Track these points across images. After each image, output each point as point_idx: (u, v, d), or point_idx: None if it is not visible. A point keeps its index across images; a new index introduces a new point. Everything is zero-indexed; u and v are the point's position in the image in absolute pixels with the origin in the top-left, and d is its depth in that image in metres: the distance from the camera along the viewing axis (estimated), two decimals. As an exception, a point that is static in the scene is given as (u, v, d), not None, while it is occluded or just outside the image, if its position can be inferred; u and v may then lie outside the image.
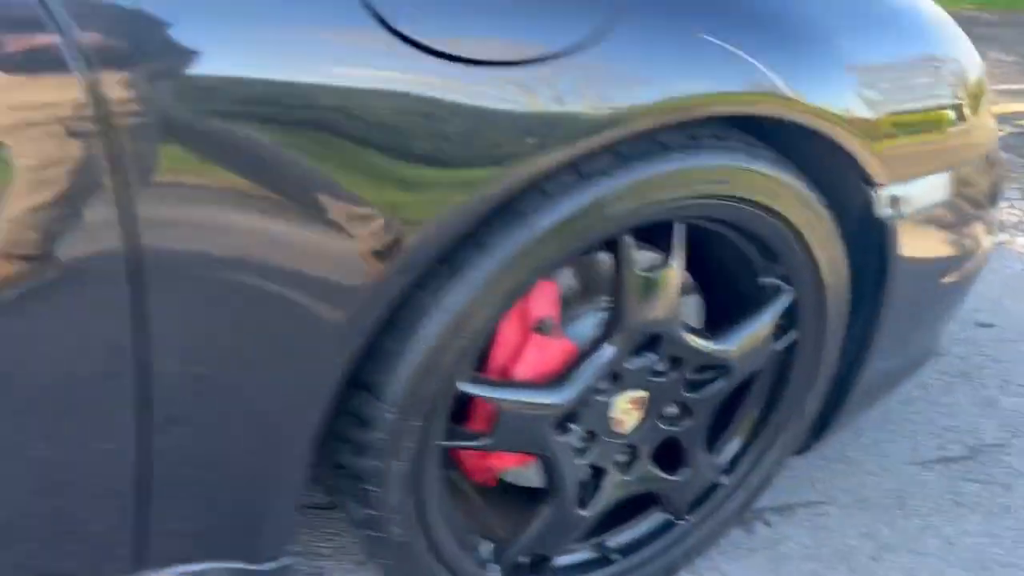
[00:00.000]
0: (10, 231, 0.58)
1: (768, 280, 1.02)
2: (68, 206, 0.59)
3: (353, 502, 0.88)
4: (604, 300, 0.97)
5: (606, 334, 0.93)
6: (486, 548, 1.02)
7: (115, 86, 0.59)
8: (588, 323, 0.97)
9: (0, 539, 0.72)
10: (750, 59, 0.82)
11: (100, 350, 0.66)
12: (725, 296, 1.07)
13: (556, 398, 0.91)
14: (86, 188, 0.60)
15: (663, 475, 1.06)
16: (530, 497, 1.06)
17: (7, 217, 0.58)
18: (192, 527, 0.80)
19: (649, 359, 0.96)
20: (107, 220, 0.60)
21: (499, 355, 0.92)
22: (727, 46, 0.81)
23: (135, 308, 0.64)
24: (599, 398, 0.96)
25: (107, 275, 0.62)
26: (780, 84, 0.85)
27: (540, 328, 0.93)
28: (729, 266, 1.04)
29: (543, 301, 0.93)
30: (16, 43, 0.57)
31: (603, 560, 1.10)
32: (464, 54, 0.69)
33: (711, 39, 0.81)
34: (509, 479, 1.06)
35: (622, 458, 1.04)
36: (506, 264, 0.80)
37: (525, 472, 1.04)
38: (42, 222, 0.59)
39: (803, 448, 1.21)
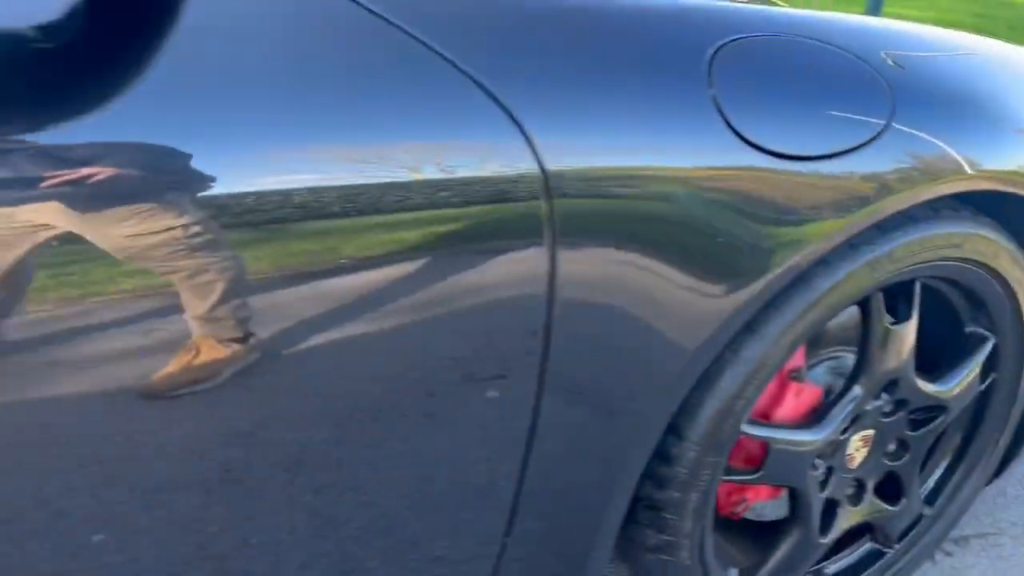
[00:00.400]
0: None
1: (974, 328, 1.16)
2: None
3: (650, 530, 1.02)
4: (831, 350, 1.11)
5: (854, 379, 1.07)
6: (732, 573, 1.15)
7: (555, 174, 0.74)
8: (821, 370, 1.12)
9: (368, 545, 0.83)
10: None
11: (512, 352, 0.79)
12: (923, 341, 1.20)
13: (815, 436, 1.05)
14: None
15: (886, 506, 1.18)
16: (760, 530, 1.19)
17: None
18: (532, 556, 0.93)
19: (883, 400, 1.10)
20: (537, 267, 0.75)
21: (763, 400, 1.06)
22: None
23: (544, 331, 0.77)
24: (841, 436, 1.10)
25: (531, 301, 0.76)
26: (980, 161, 1.00)
27: (795, 376, 1.07)
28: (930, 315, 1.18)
29: (796, 352, 1.07)
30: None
31: (824, 587, 1.23)
32: (786, 151, 0.85)
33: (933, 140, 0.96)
34: (748, 514, 1.19)
35: (850, 491, 1.17)
36: (792, 321, 0.94)
37: (764, 506, 1.18)
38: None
39: (987, 481, 1.34)
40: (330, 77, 0.69)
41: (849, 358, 1.16)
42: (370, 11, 0.70)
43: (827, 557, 1.23)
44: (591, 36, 0.80)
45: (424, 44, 0.71)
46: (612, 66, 0.79)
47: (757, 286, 0.87)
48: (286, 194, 0.65)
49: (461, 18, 0.75)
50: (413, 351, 0.74)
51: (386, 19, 0.71)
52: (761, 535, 1.17)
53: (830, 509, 1.15)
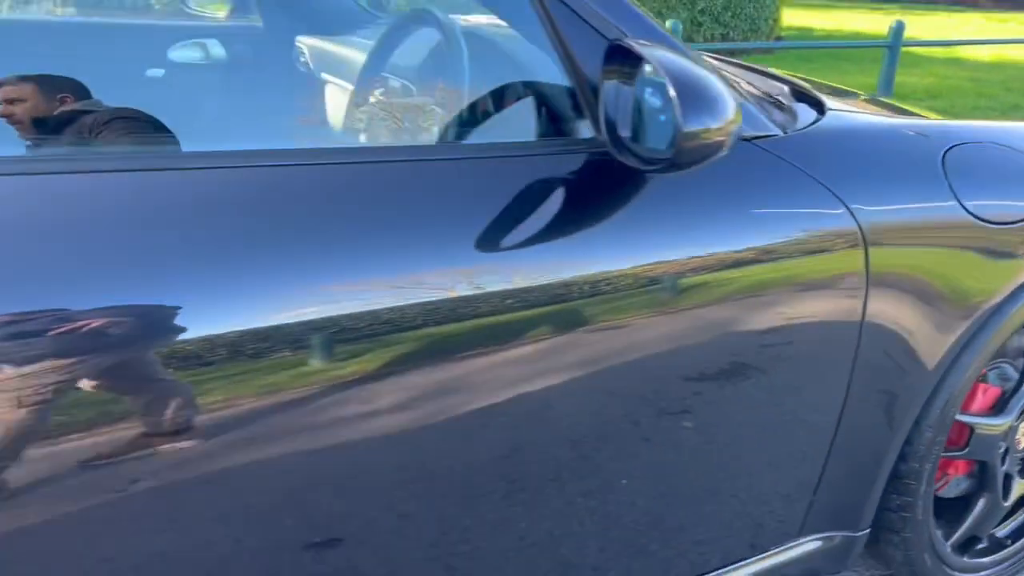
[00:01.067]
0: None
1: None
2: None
3: (894, 494, 1.40)
4: (996, 360, 1.51)
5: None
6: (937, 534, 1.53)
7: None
8: (991, 375, 1.52)
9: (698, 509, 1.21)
10: None
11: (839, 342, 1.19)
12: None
13: (1002, 421, 1.45)
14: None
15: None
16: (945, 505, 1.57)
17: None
18: (830, 500, 1.31)
19: (1041, 398, 1.51)
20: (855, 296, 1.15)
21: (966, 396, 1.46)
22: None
23: (855, 348, 1.18)
24: (1015, 423, 1.49)
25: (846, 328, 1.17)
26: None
27: (982, 378, 1.47)
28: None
29: (984, 361, 1.48)
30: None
31: (998, 545, 1.60)
32: (992, 219, 1.27)
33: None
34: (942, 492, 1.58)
35: (1019, 466, 1.56)
36: (992, 337, 1.35)
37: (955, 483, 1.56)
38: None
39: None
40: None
41: (1006, 367, 1.55)
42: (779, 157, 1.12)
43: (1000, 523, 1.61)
44: (885, 143, 1.23)
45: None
46: (895, 159, 1.22)
47: (979, 312, 1.28)
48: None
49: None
50: (745, 366, 1.13)
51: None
52: (947, 509, 1.56)
53: (1006, 481, 1.53)
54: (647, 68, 0.91)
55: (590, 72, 0.98)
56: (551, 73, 1.11)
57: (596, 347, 1.00)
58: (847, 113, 1.35)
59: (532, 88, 1.14)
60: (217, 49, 2.05)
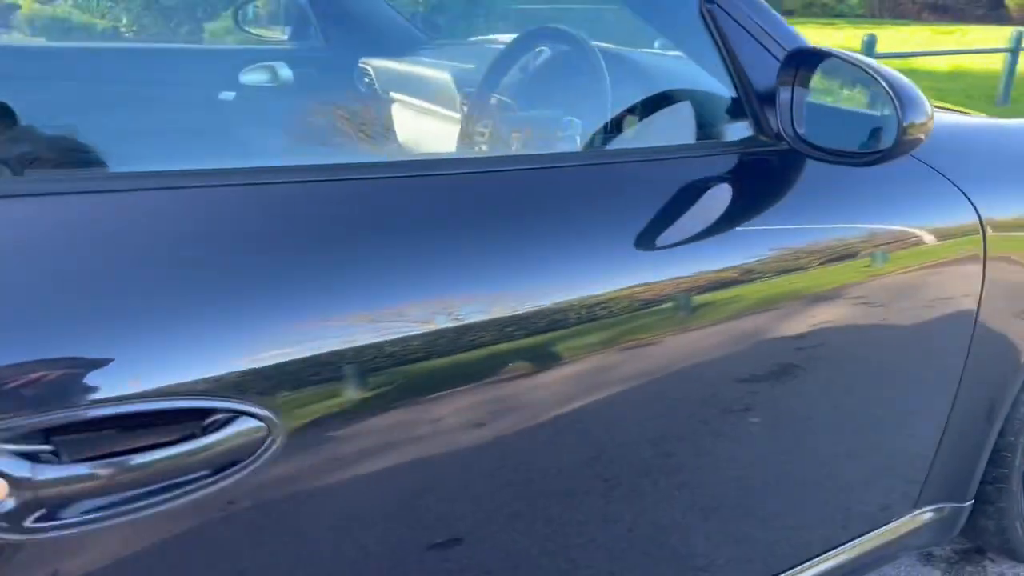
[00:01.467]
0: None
1: None
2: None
3: (991, 466, 1.50)
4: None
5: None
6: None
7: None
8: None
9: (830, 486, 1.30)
10: None
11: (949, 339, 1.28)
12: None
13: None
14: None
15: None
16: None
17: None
18: (942, 473, 1.40)
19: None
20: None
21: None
22: None
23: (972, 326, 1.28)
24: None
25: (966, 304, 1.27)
26: None
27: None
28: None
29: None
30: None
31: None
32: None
33: None
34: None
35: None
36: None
37: None
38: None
39: None
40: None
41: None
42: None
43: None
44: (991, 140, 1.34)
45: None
46: (1006, 156, 1.34)
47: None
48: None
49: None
50: (884, 349, 1.22)
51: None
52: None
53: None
54: (821, 73, 1.00)
55: (756, 80, 1.07)
56: (691, 81, 1.20)
57: (748, 331, 1.06)
58: (946, 115, 1.47)
59: (674, 96, 1.23)
60: (285, 71, 2.10)
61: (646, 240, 1.00)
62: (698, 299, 1.02)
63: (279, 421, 0.72)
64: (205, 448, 0.69)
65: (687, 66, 1.23)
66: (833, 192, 1.12)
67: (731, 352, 1.04)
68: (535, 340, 0.87)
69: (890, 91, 0.93)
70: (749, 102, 1.09)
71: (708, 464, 1.08)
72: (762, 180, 1.10)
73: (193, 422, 0.69)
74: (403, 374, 0.79)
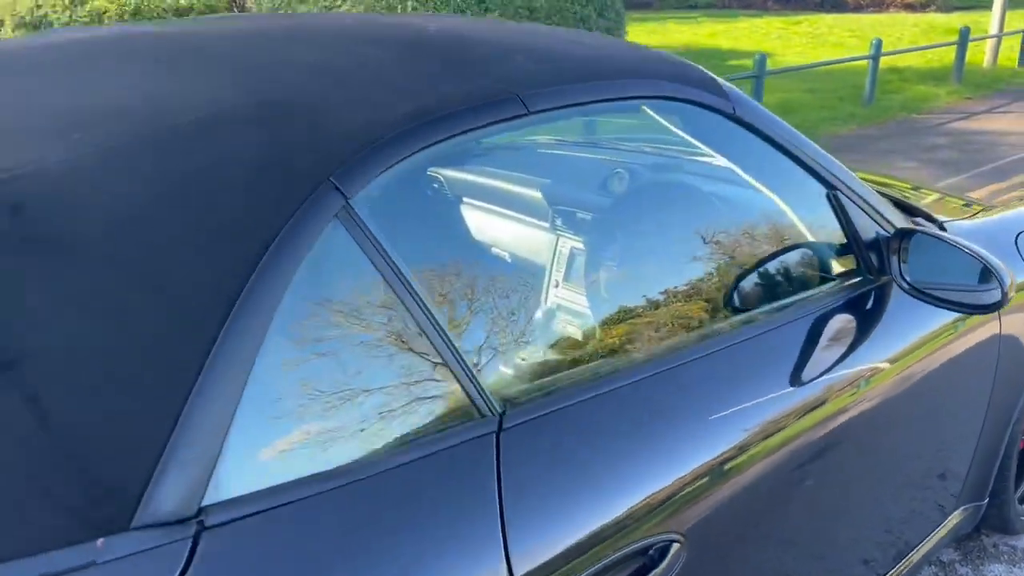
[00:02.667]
0: None
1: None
2: None
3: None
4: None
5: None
6: None
7: None
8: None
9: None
10: None
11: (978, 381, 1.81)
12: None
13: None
14: None
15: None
16: None
17: None
18: (971, 479, 1.93)
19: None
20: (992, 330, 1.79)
21: None
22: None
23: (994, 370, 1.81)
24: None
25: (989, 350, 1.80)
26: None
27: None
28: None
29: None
30: None
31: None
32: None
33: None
34: None
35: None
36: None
37: None
38: None
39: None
40: None
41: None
42: None
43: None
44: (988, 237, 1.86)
45: None
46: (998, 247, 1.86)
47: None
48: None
49: None
50: (944, 397, 1.74)
51: None
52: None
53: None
54: (921, 244, 1.49)
55: (866, 239, 1.54)
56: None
57: (877, 406, 1.54)
58: (957, 223, 1.99)
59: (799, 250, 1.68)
60: None
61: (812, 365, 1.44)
62: (845, 390, 1.48)
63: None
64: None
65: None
66: (916, 311, 1.61)
67: (868, 417, 1.52)
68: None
69: (991, 267, 1.43)
70: (861, 255, 1.56)
71: (852, 482, 1.56)
72: (873, 308, 1.58)
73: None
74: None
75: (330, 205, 0.96)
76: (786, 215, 1.56)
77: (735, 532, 1.25)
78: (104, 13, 8.60)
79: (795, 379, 1.36)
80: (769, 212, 1.74)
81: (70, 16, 8.55)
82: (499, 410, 1.04)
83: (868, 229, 1.56)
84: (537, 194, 1.84)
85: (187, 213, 0.92)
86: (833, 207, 1.54)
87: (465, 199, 1.81)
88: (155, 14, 8.48)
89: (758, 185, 1.54)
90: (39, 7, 8.62)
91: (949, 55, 10.81)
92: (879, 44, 8.51)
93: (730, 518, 1.21)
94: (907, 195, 2.12)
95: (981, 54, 11.55)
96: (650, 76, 1.32)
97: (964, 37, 10.10)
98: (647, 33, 14.76)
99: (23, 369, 0.82)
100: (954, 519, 1.92)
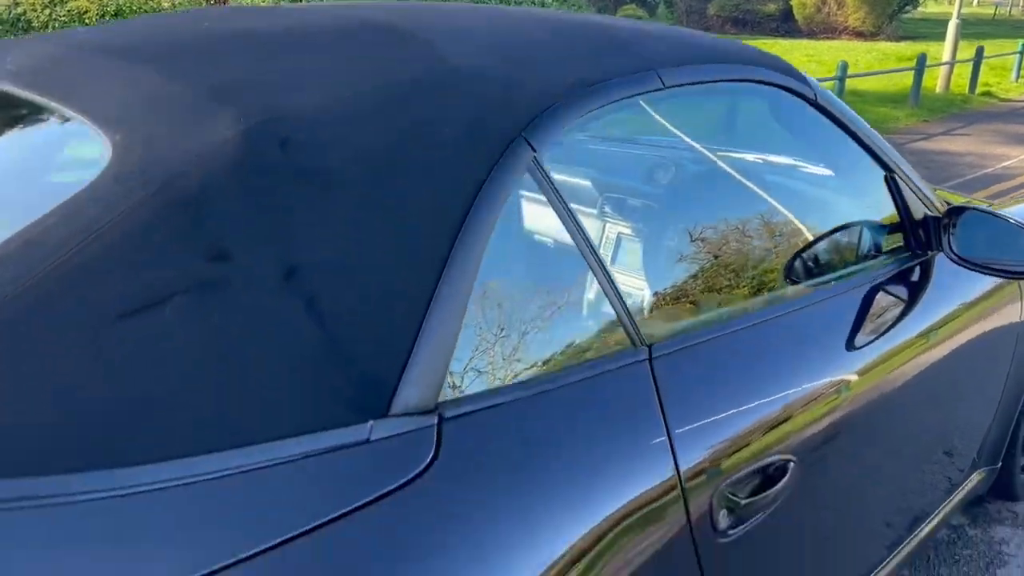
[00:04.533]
0: None
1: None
2: None
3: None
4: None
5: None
6: None
7: None
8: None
9: None
10: None
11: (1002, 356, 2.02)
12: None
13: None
14: None
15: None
16: None
17: None
18: (987, 444, 2.13)
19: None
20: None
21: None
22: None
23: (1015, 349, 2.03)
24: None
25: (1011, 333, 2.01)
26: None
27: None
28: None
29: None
30: None
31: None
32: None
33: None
34: None
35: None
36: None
37: None
38: None
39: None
40: None
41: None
42: None
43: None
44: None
45: None
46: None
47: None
48: None
49: None
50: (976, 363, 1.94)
51: None
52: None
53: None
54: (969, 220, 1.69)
55: (915, 211, 1.74)
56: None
57: (919, 370, 1.72)
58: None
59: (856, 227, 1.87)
60: None
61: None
62: (895, 356, 1.66)
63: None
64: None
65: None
66: (959, 274, 1.80)
67: (911, 378, 1.70)
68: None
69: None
70: (911, 233, 1.75)
71: (894, 439, 1.73)
72: (921, 279, 1.77)
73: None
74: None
75: (523, 156, 1.11)
76: (850, 194, 1.76)
77: (831, 455, 1.42)
78: (84, 13, 8.58)
79: (852, 341, 1.54)
80: (836, 189, 1.93)
81: (49, 15, 8.51)
82: (647, 343, 1.20)
83: (918, 210, 1.76)
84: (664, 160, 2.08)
85: (417, 156, 1.06)
86: (890, 188, 1.73)
87: (616, 156, 2.10)
88: (137, 15, 8.48)
89: (826, 169, 1.73)
90: (17, 5, 8.56)
91: (905, 80, 11.32)
92: (845, 66, 8.90)
93: (822, 443, 1.39)
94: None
95: (933, 80, 12.10)
96: (751, 63, 1.51)
97: (921, 63, 10.60)
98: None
99: (305, 278, 0.95)
100: (973, 480, 2.12)
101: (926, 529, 1.92)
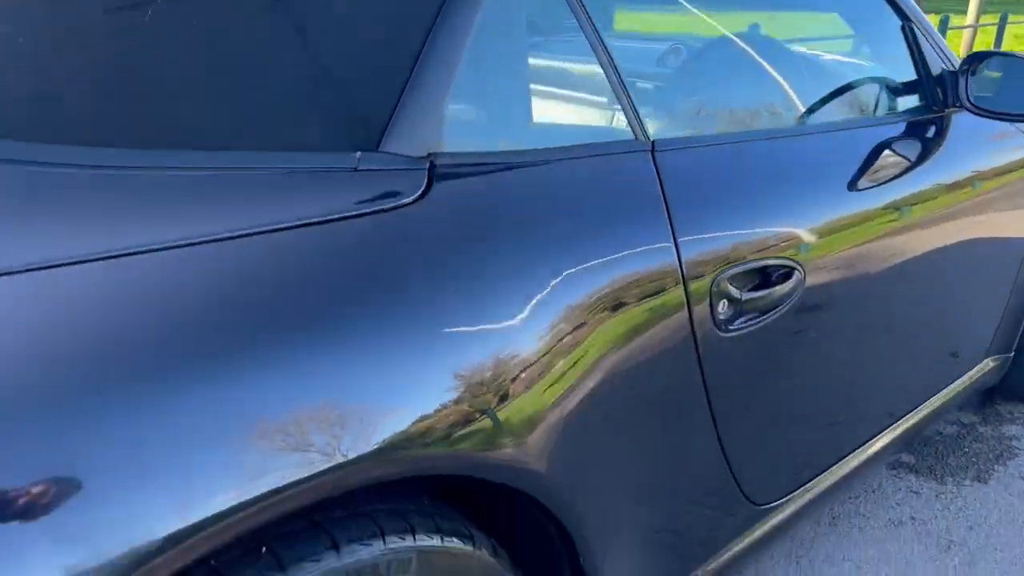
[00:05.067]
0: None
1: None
2: None
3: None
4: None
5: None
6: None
7: None
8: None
9: None
10: None
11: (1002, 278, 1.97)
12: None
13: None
14: None
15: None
16: None
17: None
18: (1001, 331, 2.08)
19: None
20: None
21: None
22: None
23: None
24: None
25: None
26: None
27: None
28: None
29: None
30: None
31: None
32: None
33: None
34: None
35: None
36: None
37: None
38: None
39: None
40: None
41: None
42: None
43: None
44: None
45: None
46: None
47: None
48: None
49: None
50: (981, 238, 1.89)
51: None
52: None
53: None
54: (989, 65, 1.63)
55: (933, 70, 1.69)
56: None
57: (931, 228, 1.68)
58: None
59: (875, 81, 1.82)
60: None
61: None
62: (905, 206, 1.61)
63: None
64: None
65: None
66: (975, 137, 1.76)
67: (919, 235, 1.65)
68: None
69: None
70: (929, 85, 1.70)
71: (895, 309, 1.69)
72: (935, 135, 1.72)
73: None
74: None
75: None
76: (870, 44, 1.72)
77: (836, 282, 1.39)
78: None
79: (866, 177, 1.49)
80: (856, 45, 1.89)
81: None
82: (652, 137, 1.17)
83: (935, 64, 1.70)
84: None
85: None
86: (906, 38, 1.68)
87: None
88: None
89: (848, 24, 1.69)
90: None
91: (927, 44, 11.13)
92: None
93: (828, 260, 1.35)
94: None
95: (956, 48, 11.90)
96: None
97: (944, 25, 10.42)
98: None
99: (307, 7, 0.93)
100: (986, 366, 2.08)
101: (934, 404, 1.88)
